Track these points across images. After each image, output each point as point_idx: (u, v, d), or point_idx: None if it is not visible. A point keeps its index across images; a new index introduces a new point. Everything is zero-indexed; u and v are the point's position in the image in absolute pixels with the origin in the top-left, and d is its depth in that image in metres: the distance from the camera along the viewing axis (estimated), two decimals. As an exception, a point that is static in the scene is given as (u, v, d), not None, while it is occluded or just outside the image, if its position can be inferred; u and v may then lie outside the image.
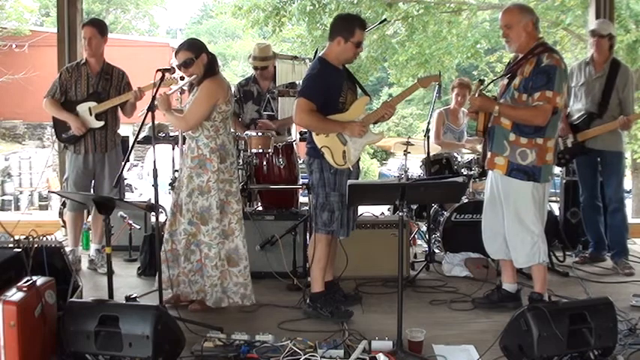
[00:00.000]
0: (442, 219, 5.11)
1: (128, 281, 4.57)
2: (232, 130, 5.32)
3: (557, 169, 5.09)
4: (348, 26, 3.72)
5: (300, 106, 3.67)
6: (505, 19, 3.71)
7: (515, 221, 3.69)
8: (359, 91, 3.96)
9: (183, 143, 4.33)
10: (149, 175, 3.57)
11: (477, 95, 3.77)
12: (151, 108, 3.49)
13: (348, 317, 3.71)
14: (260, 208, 5.20)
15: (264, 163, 5.10)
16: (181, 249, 3.84)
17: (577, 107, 4.87)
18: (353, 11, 11.96)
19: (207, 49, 3.84)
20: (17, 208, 15.81)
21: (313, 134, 3.72)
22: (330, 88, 3.73)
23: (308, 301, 3.82)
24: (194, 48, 3.77)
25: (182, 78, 3.85)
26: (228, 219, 3.82)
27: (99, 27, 4.69)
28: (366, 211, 4.88)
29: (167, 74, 3.72)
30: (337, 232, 3.80)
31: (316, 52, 5.01)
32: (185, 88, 3.92)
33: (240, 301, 3.84)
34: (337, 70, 3.79)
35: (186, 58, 3.71)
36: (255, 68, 5.27)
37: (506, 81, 3.79)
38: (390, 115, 3.89)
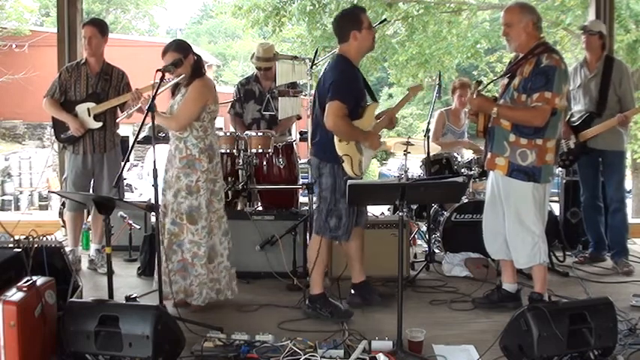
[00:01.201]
0: (442, 219, 5.11)
1: (128, 281, 4.57)
2: (233, 129, 5.36)
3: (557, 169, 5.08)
4: (353, 18, 3.71)
5: (335, 110, 3.53)
6: (506, 17, 3.70)
7: (515, 222, 3.69)
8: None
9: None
10: (149, 175, 3.57)
11: (475, 96, 3.78)
12: (151, 108, 3.48)
13: (348, 317, 3.71)
14: (260, 208, 5.20)
15: (264, 163, 5.10)
16: (164, 249, 3.82)
17: (577, 109, 4.88)
18: (353, 11, 11.96)
19: (193, 49, 3.86)
20: (17, 208, 15.81)
21: (335, 140, 3.59)
22: (358, 92, 3.69)
23: (307, 302, 3.81)
24: (181, 49, 3.79)
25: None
26: (210, 217, 3.83)
27: (99, 27, 4.68)
28: (366, 211, 4.88)
29: (167, 74, 3.71)
30: (341, 238, 3.78)
31: (316, 52, 5.02)
32: (169, 89, 3.91)
33: (215, 295, 3.86)
34: (359, 71, 3.76)
35: (175, 59, 3.71)
36: (259, 69, 5.27)
37: (507, 81, 3.78)
38: (392, 126, 3.91)
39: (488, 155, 3.80)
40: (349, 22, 3.71)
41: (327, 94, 3.59)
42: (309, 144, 3.92)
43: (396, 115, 3.95)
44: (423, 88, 4.34)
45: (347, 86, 3.60)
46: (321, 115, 3.66)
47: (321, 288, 3.80)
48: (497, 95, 3.88)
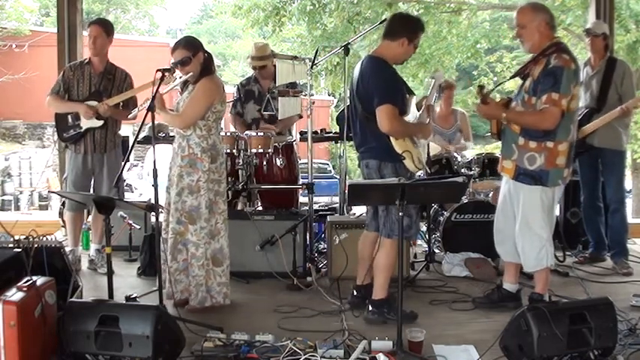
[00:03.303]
0: (442, 219, 5.11)
1: (128, 281, 4.57)
2: (234, 129, 5.37)
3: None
4: (413, 28, 3.70)
5: (389, 114, 3.51)
6: (518, 18, 3.67)
7: (524, 226, 3.66)
8: None
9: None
10: (149, 175, 3.57)
11: (479, 102, 3.76)
12: (151, 108, 3.48)
13: (414, 319, 3.67)
14: (260, 208, 5.20)
15: (264, 163, 5.09)
16: (169, 248, 3.83)
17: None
18: (353, 11, 11.98)
19: (204, 47, 3.84)
20: (17, 208, 15.80)
21: (392, 139, 3.59)
22: (403, 90, 3.69)
23: (371, 307, 3.69)
24: (191, 46, 3.76)
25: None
26: (215, 219, 3.83)
27: (105, 27, 4.71)
28: (366, 210, 4.88)
29: (167, 74, 3.70)
30: (413, 237, 3.74)
31: (316, 52, 5.02)
32: (178, 87, 3.91)
33: (222, 300, 3.86)
34: (396, 70, 3.76)
35: (183, 57, 3.70)
36: (254, 68, 5.27)
37: (521, 82, 3.75)
38: (433, 113, 3.98)
39: (500, 158, 3.80)
40: (408, 27, 3.69)
41: (371, 99, 3.57)
42: (357, 150, 3.86)
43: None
44: (442, 76, 4.47)
45: (392, 87, 3.60)
46: (366, 120, 3.65)
47: (387, 292, 3.69)
48: (509, 97, 3.87)
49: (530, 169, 3.59)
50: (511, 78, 3.91)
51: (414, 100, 3.79)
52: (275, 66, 5.08)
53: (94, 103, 4.59)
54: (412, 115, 3.76)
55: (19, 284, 2.89)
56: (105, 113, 4.55)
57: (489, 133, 3.96)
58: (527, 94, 3.61)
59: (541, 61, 3.56)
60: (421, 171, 3.80)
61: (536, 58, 3.61)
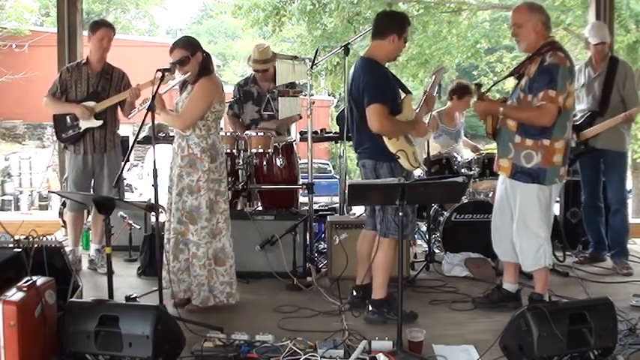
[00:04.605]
0: (442, 219, 5.11)
1: (128, 281, 4.57)
2: (232, 130, 5.36)
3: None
4: (400, 23, 3.71)
5: (378, 113, 3.53)
6: (514, 18, 3.68)
7: (521, 225, 3.66)
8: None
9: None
10: (149, 175, 3.57)
11: (477, 99, 3.76)
12: (151, 108, 3.48)
13: (414, 319, 3.67)
14: (260, 208, 5.20)
15: (264, 163, 5.09)
16: (171, 248, 3.83)
17: (580, 108, 4.87)
18: (353, 11, 11.99)
19: (202, 47, 3.84)
20: (17, 208, 15.80)
21: (385, 139, 3.60)
22: (393, 89, 3.70)
23: (371, 307, 3.70)
24: (189, 46, 3.76)
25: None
26: (217, 218, 3.83)
27: (114, 29, 4.76)
28: (364, 209, 4.87)
29: (167, 74, 3.70)
30: (409, 235, 3.75)
31: (316, 52, 5.02)
32: (177, 87, 3.90)
33: (225, 300, 3.86)
34: (388, 70, 3.77)
35: (181, 56, 3.69)
36: (256, 71, 5.26)
37: (517, 81, 3.76)
38: (433, 104, 3.96)
39: (496, 157, 3.80)
40: (395, 24, 3.71)
41: (363, 100, 3.60)
42: (355, 151, 3.87)
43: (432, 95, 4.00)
44: (446, 71, 4.35)
45: (381, 86, 3.61)
46: (360, 121, 3.67)
47: (386, 292, 3.69)
48: (505, 97, 3.88)
49: (527, 167, 3.59)
50: (506, 77, 3.91)
51: (410, 99, 3.79)
52: (275, 67, 5.09)
53: (92, 103, 4.60)
54: (412, 114, 3.77)
55: (19, 284, 2.89)
56: (134, 97, 4.52)
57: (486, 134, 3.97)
58: (522, 93, 3.63)
59: (536, 60, 3.58)
60: (420, 169, 3.79)
61: (531, 57, 3.62)
